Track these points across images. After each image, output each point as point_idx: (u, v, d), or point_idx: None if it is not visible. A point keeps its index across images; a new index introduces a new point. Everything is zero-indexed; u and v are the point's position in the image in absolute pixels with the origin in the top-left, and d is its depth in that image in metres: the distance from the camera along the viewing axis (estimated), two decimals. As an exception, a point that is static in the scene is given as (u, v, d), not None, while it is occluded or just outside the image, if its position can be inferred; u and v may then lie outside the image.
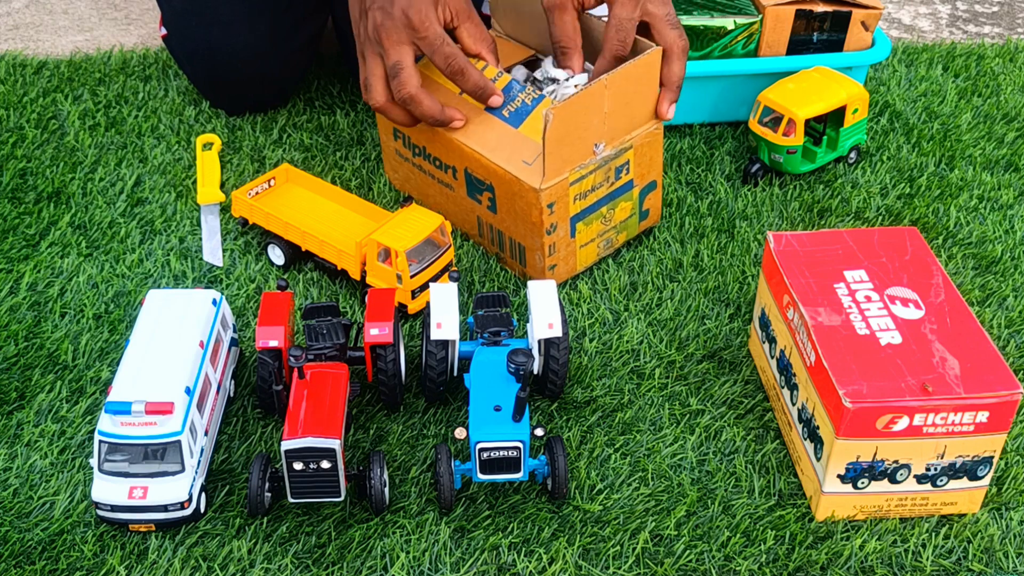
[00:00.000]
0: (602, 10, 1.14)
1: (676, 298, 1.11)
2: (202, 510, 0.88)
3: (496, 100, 1.09)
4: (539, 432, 0.88)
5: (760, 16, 1.31)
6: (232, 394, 0.99)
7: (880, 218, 1.23)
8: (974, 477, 0.88)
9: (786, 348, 0.95)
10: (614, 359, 1.04)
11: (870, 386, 0.83)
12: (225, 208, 1.23)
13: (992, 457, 0.87)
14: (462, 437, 0.85)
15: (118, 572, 0.85)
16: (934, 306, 0.91)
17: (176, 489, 0.86)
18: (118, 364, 0.94)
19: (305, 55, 1.40)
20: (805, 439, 0.91)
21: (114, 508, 0.86)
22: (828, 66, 1.31)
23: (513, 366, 0.86)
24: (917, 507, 0.89)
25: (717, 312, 1.10)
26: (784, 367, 0.95)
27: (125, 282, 1.12)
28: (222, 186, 1.27)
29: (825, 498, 0.88)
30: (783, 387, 0.96)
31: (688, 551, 0.87)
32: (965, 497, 0.89)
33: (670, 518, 0.89)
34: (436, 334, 0.93)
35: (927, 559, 0.87)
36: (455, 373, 0.99)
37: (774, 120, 1.24)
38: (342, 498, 0.87)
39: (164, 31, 1.41)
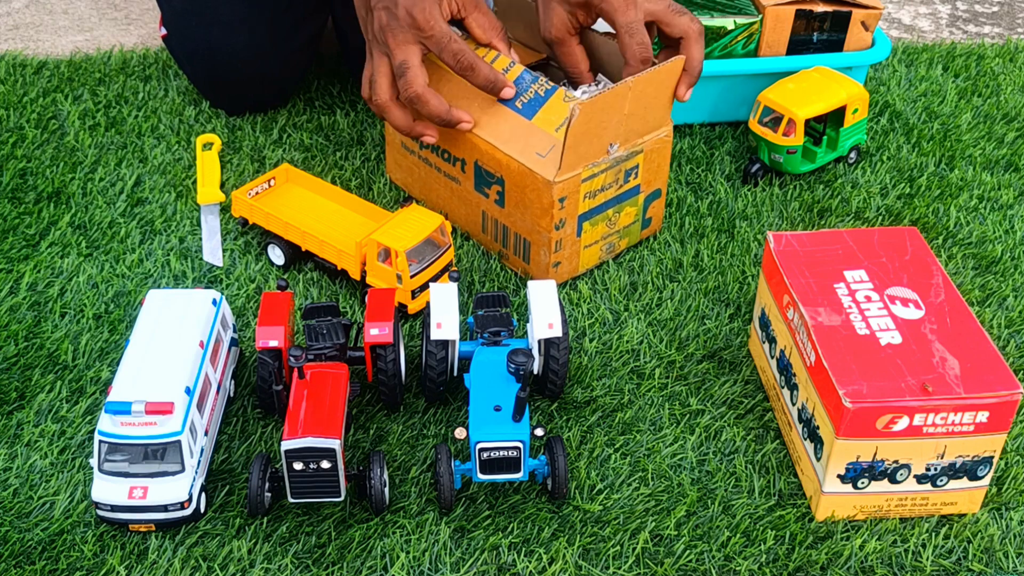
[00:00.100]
0: (602, 23, 1.14)
1: (676, 298, 1.11)
2: (202, 510, 0.88)
3: (508, 92, 1.09)
4: (539, 432, 0.88)
5: (760, 16, 1.31)
6: (232, 394, 1.00)
7: (880, 218, 1.23)
8: (974, 477, 0.88)
9: (786, 348, 0.95)
10: (614, 359, 1.04)
11: (870, 386, 0.83)
12: (225, 208, 1.23)
13: (992, 457, 0.87)
14: (462, 437, 0.85)
15: (118, 572, 0.85)
16: (934, 306, 0.91)
17: (176, 489, 0.86)
18: (118, 364, 0.94)
19: (305, 55, 1.40)
20: (805, 439, 0.91)
21: (114, 508, 0.86)
22: (828, 66, 1.31)
23: (513, 366, 0.86)
24: (917, 507, 0.89)
25: (717, 312, 1.10)
26: (784, 367, 0.95)
27: (125, 282, 1.12)
28: (222, 186, 1.27)
29: (825, 498, 0.88)
30: (783, 387, 0.96)
31: (688, 551, 0.87)
32: (965, 497, 0.89)
33: (670, 518, 0.89)
34: (436, 334, 0.93)
35: (927, 559, 0.87)
36: (455, 373, 0.99)
37: (774, 120, 1.24)
38: (342, 498, 0.87)
39: (164, 31, 1.41)
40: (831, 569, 0.86)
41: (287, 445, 0.84)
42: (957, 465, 0.87)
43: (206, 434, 0.91)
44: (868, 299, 0.92)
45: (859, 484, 0.87)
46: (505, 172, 1.08)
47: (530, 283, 0.98)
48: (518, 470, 0.87)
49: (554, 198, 1.04)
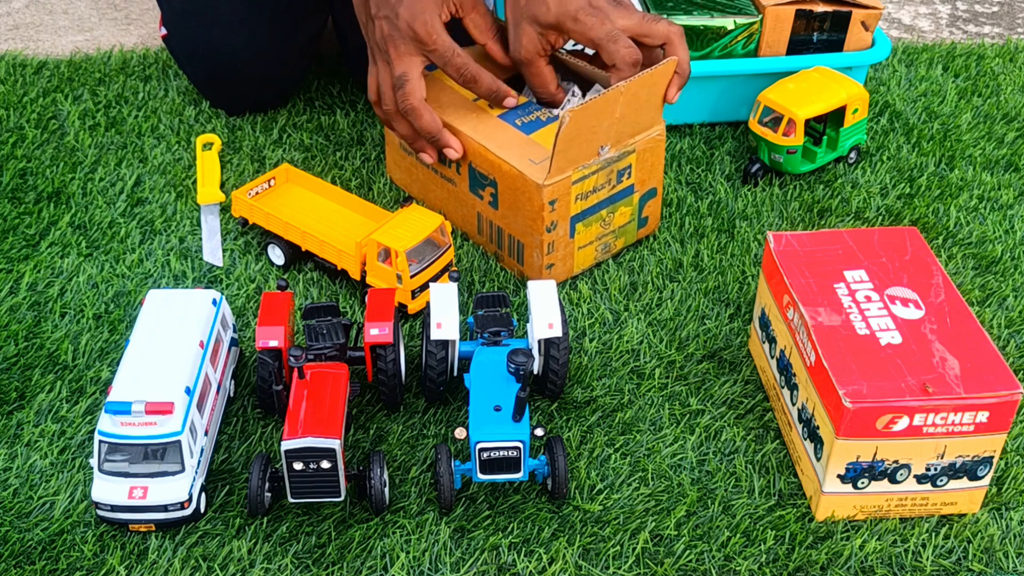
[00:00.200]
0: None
1: (676, 298, 1.11)
2: (202, 510, 0.88)
3: (511, 101, 1.10)
4: (539, 432, 0.88)
5: (760, 16, 1.31)
6: (232, 394, 1.00)
7: (880, 218, 1.23)
8: (974, 477, 0.88)
9: (786, 348, 0.95)
10: (614, 359, 1.04)
11: (870, 386, 0.83)
12: (225, 208, 1.23)
13: (992, 457, 0.87)
14: (462, 437, 0.85)
15: (118, 572, 0.85)
16: (934, 306, 0.91)
17: (176, 489, 0.86)
18: (118, 364, 0.94)
19: (305, 55, 1.40)
20: (805, 439, 0.91)
21: (114, 508, 0.86)
22: (828, 66, 1.31)
23: (513, 366, 0.86)
24: (917, 507, 0.89)
25: (717, 312, 1.10)
26: (784, 367, 0.95)
27: (125, 282, 1.12)
28: (222, 186, 1.27)
29: (825, 498, 0.88)
30: (783, 387, 0.96)
31: (688, 551, 0.87)
32: (965, 497, 0.89)
33: (670, 518, 0.89)
34: (436, 334, 0.93)
35: (927, 559, 0.87)
36: (455, 373, 0.99)
37: (774, 120, 1.24)
38: (342, 498, 0.87)
39: (164, 31, 1.41)
40: (831, 569, 0.86)
41: (287, 445, 0.84)
42: (957, 465, 0.87)
43: (206, 434, 0.91)
44: (868, 299, 0.92)
45: (859, 484, 0.87)
46: (497, 174, 1.08)
47: (530, 283, 0.98)
48: (518, 470, 0.87)
49: (544, 201, 1.04)
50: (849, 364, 0.85)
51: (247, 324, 1.08)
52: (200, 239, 1.18)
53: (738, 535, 0.88)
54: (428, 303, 0.97)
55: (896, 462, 0.86)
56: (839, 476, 0.87)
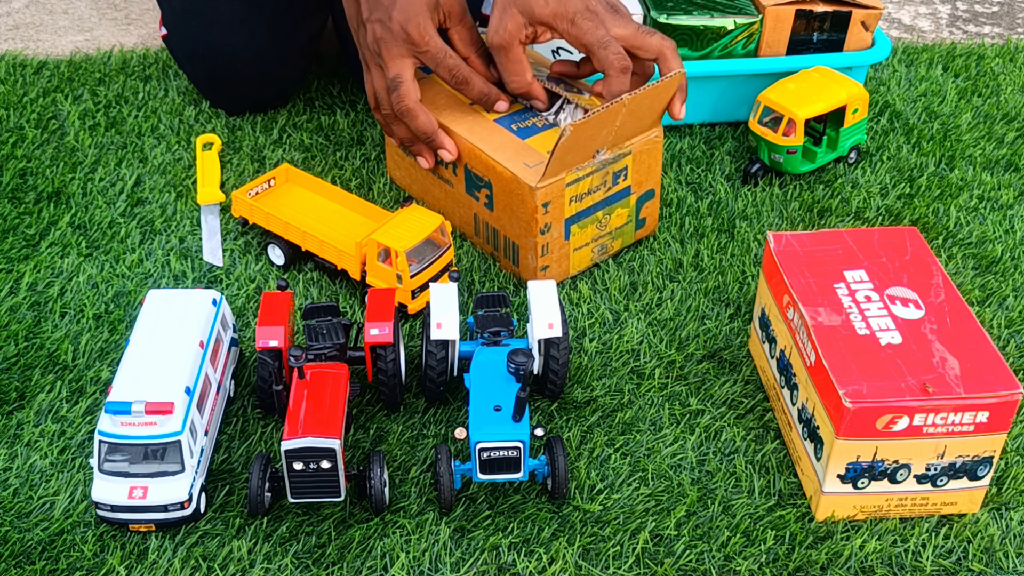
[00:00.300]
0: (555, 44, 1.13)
1: (676, 298, 1.11)
2: (202, 510, 0.88)
3: (503, 105, 1.10)
4: (539, 432, 0.88)
5: (760, 16, 1.31)
6: (232, 394, 1.00)
7: (880, 218, 1.23)
8: (974, 477, 0.88)
9: (786, 348, 0.95)
10: (614, 359, 1.04)
11: (870, 386, 0.83)
12: (225, 208, 1.23)
13: (992, 457, 0.87)
14: (462, 437, 0.85)
15: (118, 572, 0.85)
16: (934, 306, 0.91)
17: (176, 489, 0.86)
18: (118, 364, 0.94)
19: (305, 55, 1.40)
20: (805, 439, 0.91)
21: (114, 508, 0.86)
22: (828, 66, 1.31)
23: (513, 366, 0.86)
24: (917, 507, 0.89)
25: (717, 312, 1.10)
26: (784, 367, 0.95)
27: (125, 282, 1.12)
28: (222, 186, 1.27)
29: (825, 498, 0.88)
30: (783, 387, 0.96)
31: (688, 551, 0.87)
32: (965, 497, 0.89)
33: (670, 518, 0.89)
34: (436, 334, 0.93)
35: (927, 559, 0.87)
36: (455, 373, 0.99)
37: (774, 120, 1.24)
38: (342, 498, 0.87)
39: (164, 31, 1.41)
40: (831, 569, 0.86)
41: (287, 445, 0.84)
42: (957, 465, 0.87)
43: (206, 434, 0.91)
44: (868, 299, 0.92)
45: (859, 484, 0.87)
46: (492, 176, 1.08)
47: (530, 283, 0.98)
48: (518, 470, 0.87)
49: (537, 203, 1.04)
50: (849, 364, 0.85)
51: (247, 324, 1.08)
52: (200, 239, 1.18)
53: (738, 535, 0.88)
54: (428, 303, 0.97)
55: (896, 462, 0.86)
56: (839, 476, 0.87)
